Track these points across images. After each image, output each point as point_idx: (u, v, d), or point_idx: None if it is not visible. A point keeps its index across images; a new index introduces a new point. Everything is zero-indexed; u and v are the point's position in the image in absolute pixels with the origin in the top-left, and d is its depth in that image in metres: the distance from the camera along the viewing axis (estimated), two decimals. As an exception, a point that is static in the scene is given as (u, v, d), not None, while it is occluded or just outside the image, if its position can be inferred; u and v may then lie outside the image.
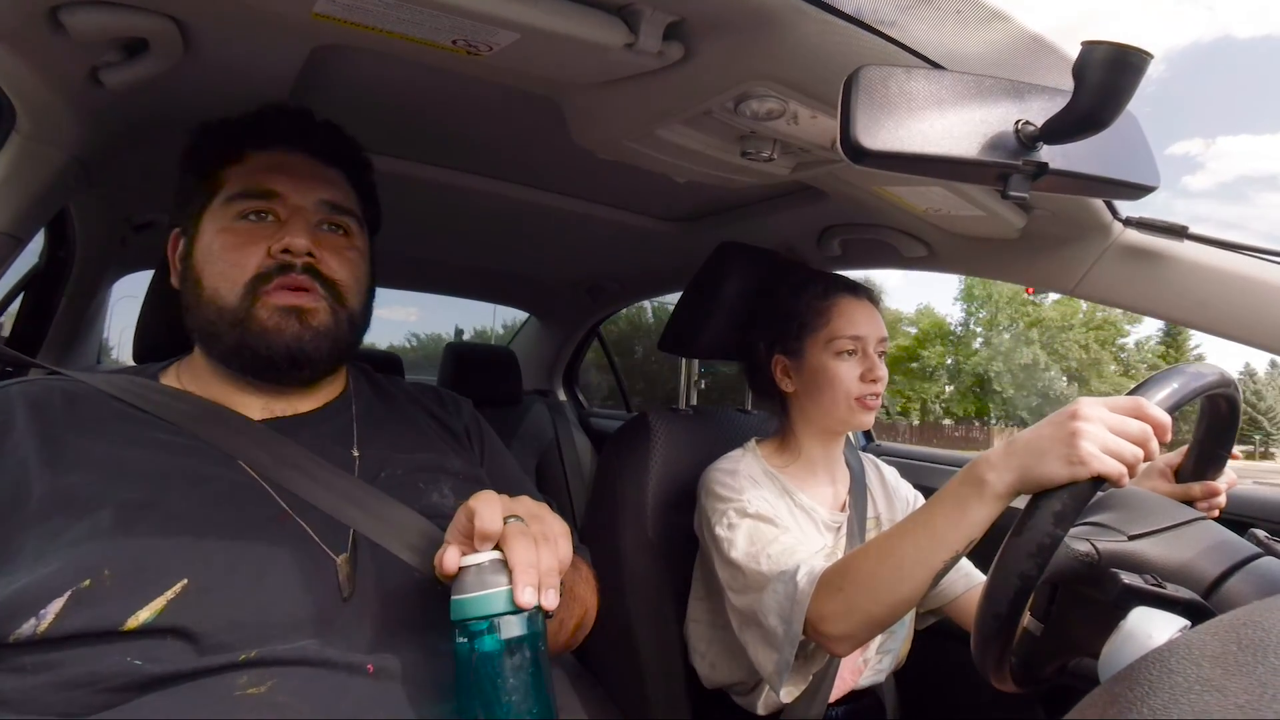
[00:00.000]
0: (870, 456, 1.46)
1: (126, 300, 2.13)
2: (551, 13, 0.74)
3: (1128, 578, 0.75)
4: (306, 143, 0.93)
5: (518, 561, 0.65)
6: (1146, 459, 0.77)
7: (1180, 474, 1.03)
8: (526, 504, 0.73)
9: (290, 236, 0.84)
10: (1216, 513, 1.01)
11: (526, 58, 0.83)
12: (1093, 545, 0.79)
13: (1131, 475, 0.76)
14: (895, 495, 1.39)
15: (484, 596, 0.64)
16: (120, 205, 1.49)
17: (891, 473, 1.43)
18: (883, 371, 1.25)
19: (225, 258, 0.84)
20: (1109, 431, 0.77)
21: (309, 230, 0.87)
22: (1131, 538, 0.80)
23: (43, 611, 0.64)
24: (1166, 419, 0.78)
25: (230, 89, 0.98)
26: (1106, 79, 0.59)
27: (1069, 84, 0.60)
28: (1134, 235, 1.10)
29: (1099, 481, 0.75)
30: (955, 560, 0.88)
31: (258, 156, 0.89)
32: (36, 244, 1.57)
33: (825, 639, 1.00)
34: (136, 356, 1.08)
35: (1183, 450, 1.04)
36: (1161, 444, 0.79)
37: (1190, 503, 1.00)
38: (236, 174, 0.88)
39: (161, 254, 1.05)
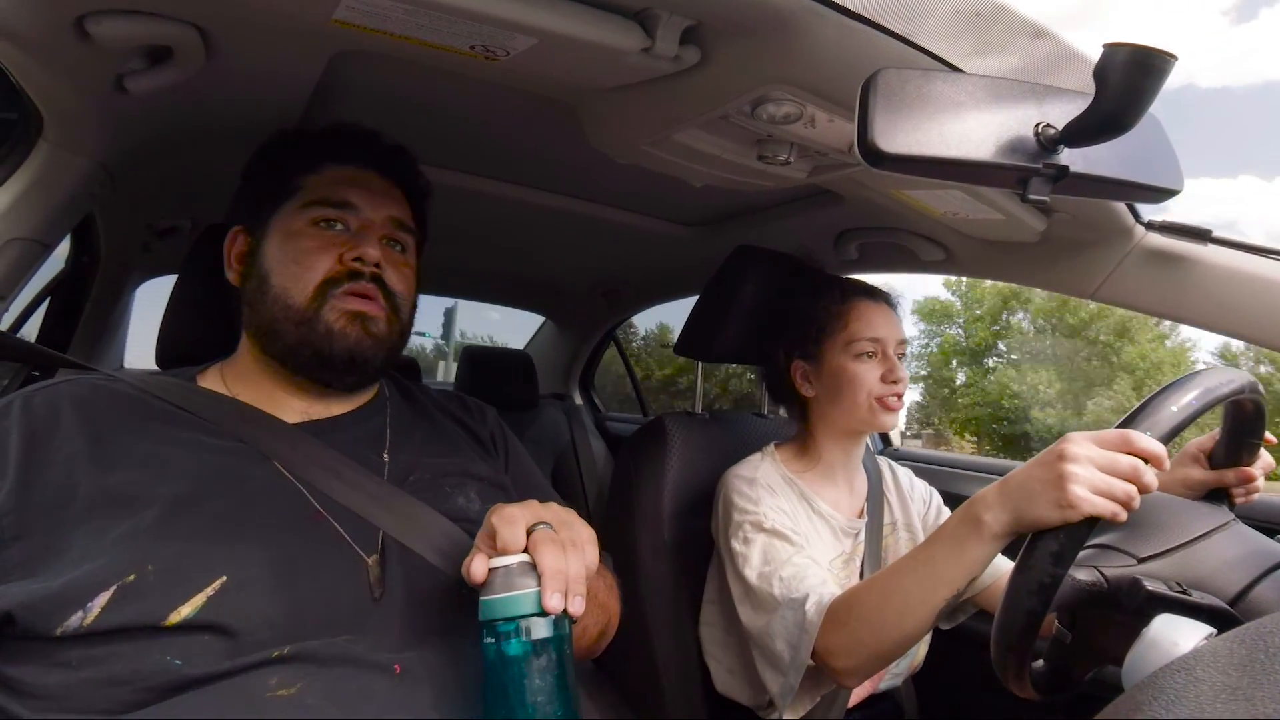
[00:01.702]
0: (885, 460, 1.45)
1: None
2: (568, 18, 0.74)
3: (1151, 584, 0.74)
4: (379, 162, 0.98)
5: (546, 567, 0.65)
6: (1143, 491, 0.75)
7: (1213, 460, 1.00)
8: (555, 510, 0.74)
9: (364, 246, 0.89)
10: (1253, 497, 0.99)
11: (543, 63, 0.84)
12: (1100, 574, 0.78)
13: (1129, 509, 0.75)
14: (910, 498, 1.38)
15: (512, 598, 0.65)
16: (144, 211, 1.51)
17: (905, 474, 1.42)
18: (904, 373, 1.24)
19: (298, 260, 0.88)
20: (1098, 470, 0.75)
21: (378, 243, 0.92)
22: (1141, 560, 0.79)
23: (89, 604, 0.65)
24: (1158, 449, 0.76)
25: (252, 95, 0.99)
26: (1128, 81, 0.58)
27: (1090, 87, 0.60)
28: (1156, 239, 1.09)
29: (1094, 520, 0.74)
30: (957, 597, 0.89)
31: (336, 169, 0.94)
32: (62, 249, 1.60)
33: (833, 671, 1.01)
34: (160, 361, 1.09)
35: (1215, 434, 1.00)
36: (1159, 470, 0.77)
37: (1226, 489, 0.98)
38: (314, 183, 0.92)
39: (184, 259, 1.07)
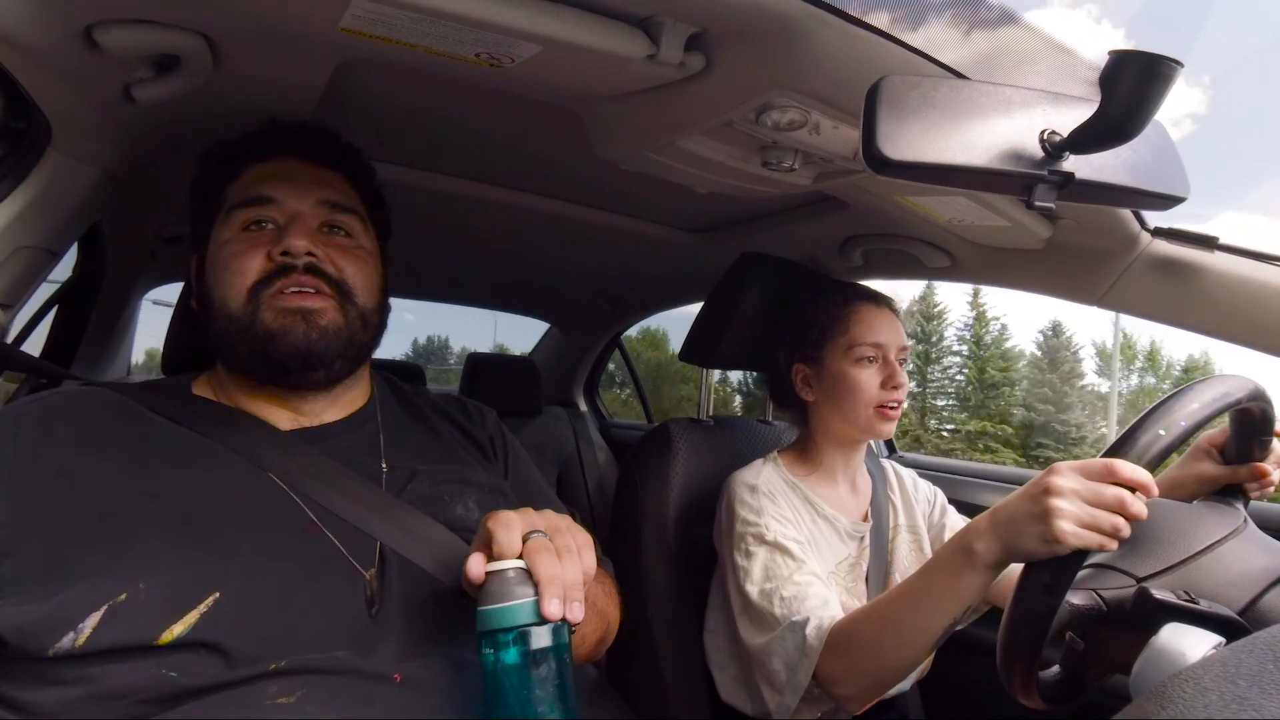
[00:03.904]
0: (889, 463, 1.44)
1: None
2: (573, 25, 0.75)
3: (1159, 593, 0.73)
4: (302, 149, 0.93)
5: (543, 575, 0.65)
6: (1131, 520, 0.75)
7: (1225, 456, 0.99)
8: (549, 517, 0.73)
9: (289, 238, 0.84)
10: (1271, 490, 0.98)
11: (548, 70, 0.84)
12: (1098, 597, 0.77)
13: (1118, 538, 0.75)
14: (915, 499, 1.37)
15: (510, 608, 0.64)
16: (150, 219, 1.51)
17: (909, 475, 1.42)
18: (904, 379, 1.23)
19: (229, 267, 0.85)
20: (1083, 503, 0.75)
21: (309, 232, 0.87)
22: (1141, 580, 0.78)
23: (80, 625, 0.65)
24: (1144, 477, 0.75)
25: (258, 103, 1.00)
26: (1135, 88, 0.58)
27: (1095, 93, 0.60)
28: (1163, 246, 1.08)
29: (1084, 553, 0.74)
30: (955, 625, 0.89)
31: (255, 168, 0.91)
32: (69, 257, 1.60)
33: (834, 697, 1.02)
34: (165, 368, 1.10)
35: (1227, 428, 0.98)
36: (1148, 497, 0.76)
37: (1240, 485, 0.97)
38: (236, 188, 0.90)
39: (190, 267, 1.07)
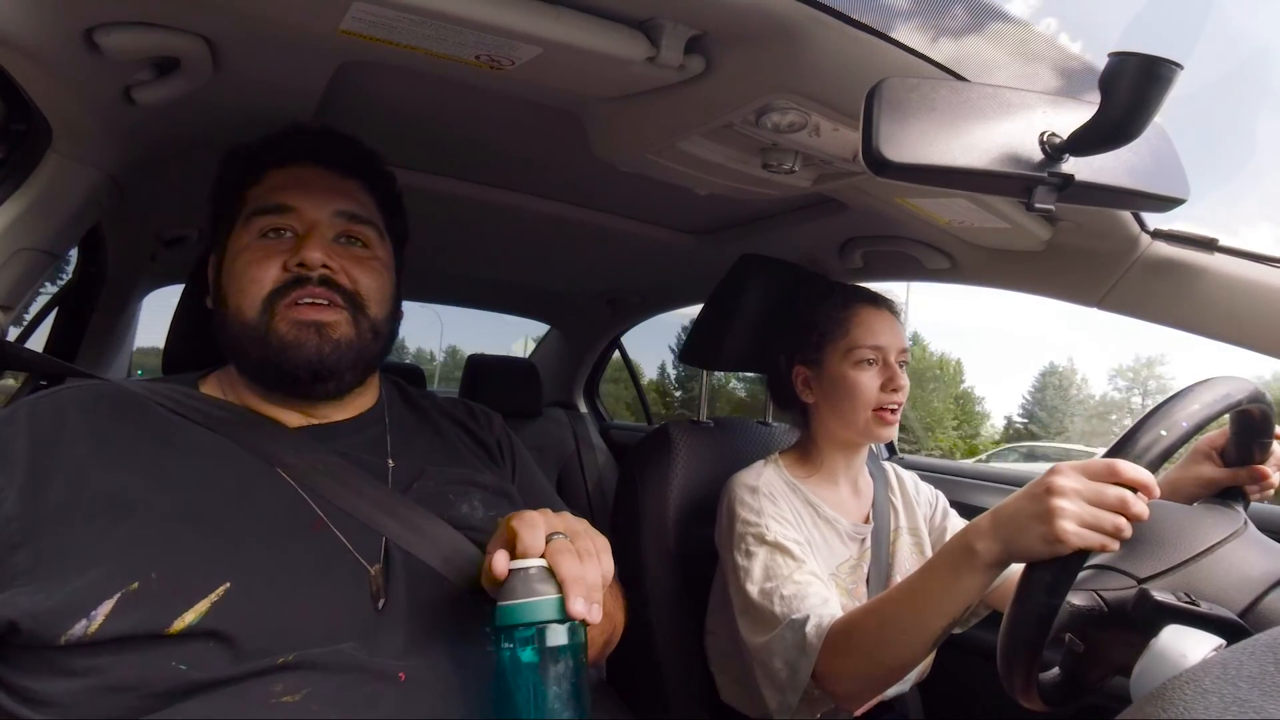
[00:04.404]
0: (891, 465, 1.44)
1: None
2: (574, 27, 0.75)
3: (1160, 595, 0.73)
4: (322, 156, 0.93)
5: (567, 575, 0.65)
6: (1133, 520, 0.75)
7: (1225, 458, 0.99)
8: (569, 520, 0.74)
9: (305, 250, 0.84)
10: (1271, 492, 0.98)
11: (548, 72, 0.84)
12: (1099, 598, 0.77)
13: (1119, 539, 0.75)
14: (916, 502, 1.37)
15: (533, 604, 0.65)
16: (151, 221, 1.52)
17: (910, 477, 1.42)
18: (904, 381, 1.23)
19: (245, 274, 0.85)
20: (1085, 503, 0.75)
21: (325, 243, 0.87)
22: (1141, 581, 0.78)
23: (93, 613, 0.65)
24: (1145, 477, 0.75)
25: (258, 106, 1.00)
26: (1135, 90, 0.58)
27: (1095, 96, 0.60)
28: (1163, 248, 1.08)
29: (1085, 553, 0.74)
30: (954, 625, 0.89)
31: (275, 174, 0.91)
32: (69, 260, 1.61)
33: (832, 696, 1.02)
34: (166, 369, 1.10)
35: (1227, 430, 0.98)
36: (1150, 498, 0.76)
37: (1239, 487, 0.97)
38: (256, 193, 0.90)
39: (190, 269, 1.07)
